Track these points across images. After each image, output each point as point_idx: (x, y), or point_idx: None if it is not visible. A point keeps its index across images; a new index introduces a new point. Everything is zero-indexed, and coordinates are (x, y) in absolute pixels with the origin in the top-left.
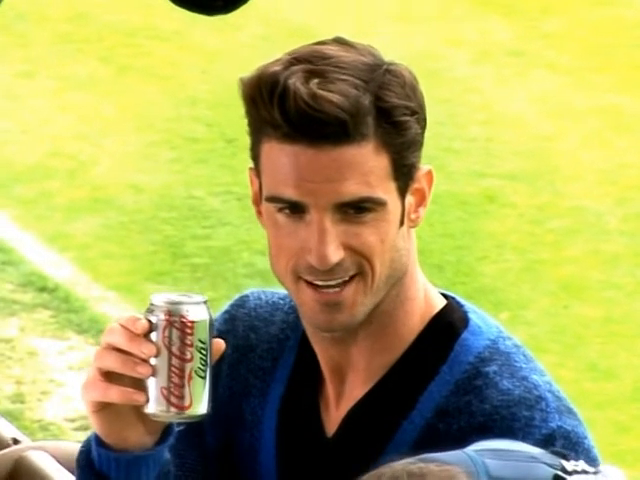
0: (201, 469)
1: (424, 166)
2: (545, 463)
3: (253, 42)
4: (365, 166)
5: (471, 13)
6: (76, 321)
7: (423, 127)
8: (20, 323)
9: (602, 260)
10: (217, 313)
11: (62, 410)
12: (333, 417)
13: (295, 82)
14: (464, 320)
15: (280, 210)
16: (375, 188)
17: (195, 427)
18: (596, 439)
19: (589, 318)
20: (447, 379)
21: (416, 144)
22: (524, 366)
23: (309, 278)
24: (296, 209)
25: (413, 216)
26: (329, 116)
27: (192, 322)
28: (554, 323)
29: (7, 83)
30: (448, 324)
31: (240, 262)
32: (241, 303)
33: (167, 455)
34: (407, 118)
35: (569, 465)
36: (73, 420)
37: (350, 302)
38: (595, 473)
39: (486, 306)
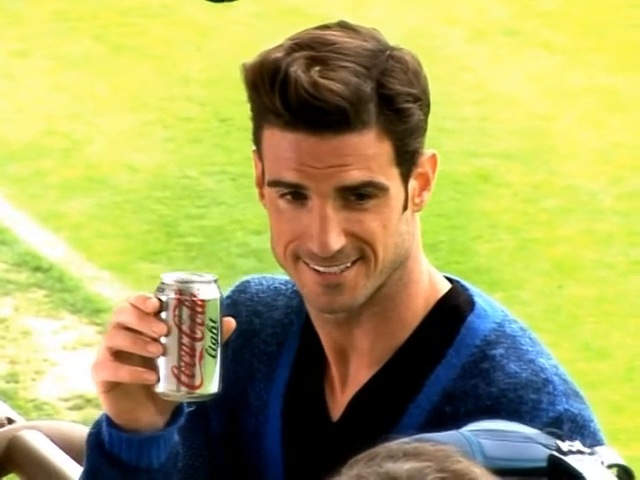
0: (207, 453)
1: (427, 150)
2: (540, 443)
3: (246, 19)
4: (367, 153)
5: None
6: (70, 300)
7: (426, 113)
8: (14, 303)
9: (596, 239)
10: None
11: (56, 389)
12: (338, 401)
13: (296, 70)
14: (470, 303)
15: (282, 196)
16: (377, 174)
17: (200, 411)
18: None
19: (583, 297)
20: (454, 362)
21: (419, 130)
22: (530, 349)
23: (310, 262)
24: (298, 195)
25: (417, 200)
26: (330, 105)
27: (203, 301)
28: (548, 303)
29: (1, 62)
30: (454, 307)
31: (234, 241)
32: (243, 288)
33: (177, 436)
34: (410, 105)
35: (564, 445)
36: (67, 399)
37: (352, 284)
38: (590, 453)
39: (480, 286)
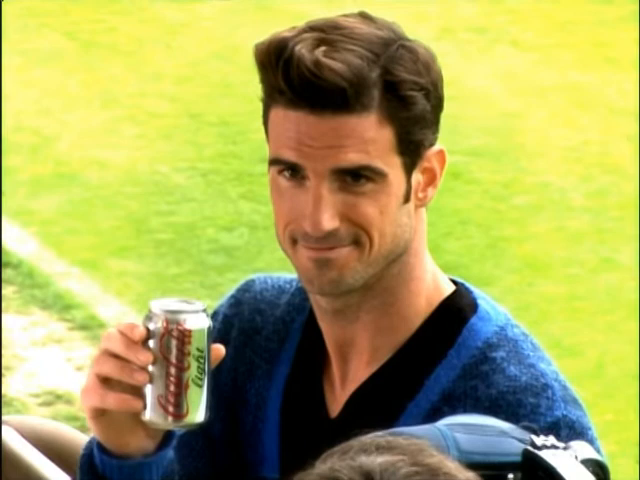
0: (209, 454)
1: (435, 146)
2: (515, 438)
3: (217, 16)
4: (365, 136)
5: None
6: (40, 297)
7: (435, 106)
8: None
9: (566, 237)
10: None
11: (25, 386)
12: (337, 398)
13: (301, 49)
14: (473, 306)
15: (280, 172)
16: (375, 158)
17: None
18: None
19: (553, 295)
20: (454, 363)
21: (424, 121)
22: (531, 354)
23: (304, 244)
24: (296, 172)
25: (421, 195)
26: (330, 84)
27: (189, 331)
28: (518, 300)
29: None
30: (457, 309)
31: (204, 238)
32: (247, 287)
33: (171, 454)
34: (414, 93)
35: (539, 440)
36: (37, 395)
37: (342, 262)
38: (565, 448)
39: None
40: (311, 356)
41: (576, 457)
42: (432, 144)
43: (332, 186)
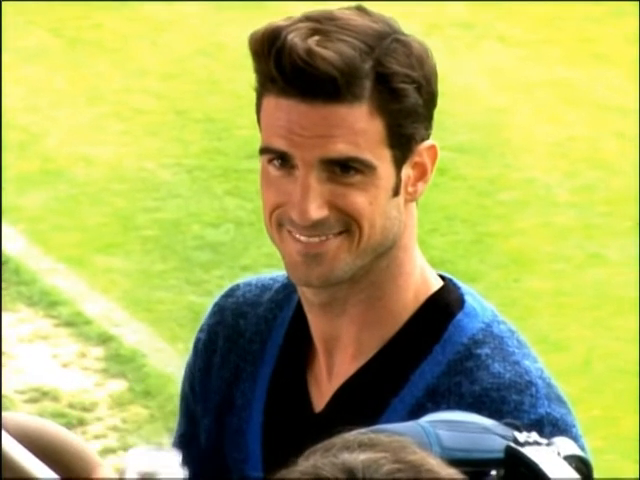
0: (195, 465)
1: (427, 141)
2: (498, 434)
3: (203, 13)
4: (355, 127)
5: None
6: (27, 293)
7: (427, 100)
8: None
9: (552, 233)
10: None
11: (12, 382)
12: (323, 392)
13: (294, 37)
14: (460, 301)
15: (270, 161)
16: (364, 150)
17: (191, 423)
18: None
19: (539, 290)
20: (439, 359)
21: (416, 114)
22: (517, 351)
23: (292, 230)
24: (285, 162)
25: (411, 189)
26: (321, 72)
27: None
28: (504, 296)
29: None
30: (444, 304)
31: (190, 234)
32: (230, 293)
33: None
34: (406, 86)
35: (521, 436)
36: (23, 392)
37: (332, 255)
38: (548, 444)
39: None
40: (295, 352)
41: (559, 453)
42: (424, 139)
43: (321, 176)
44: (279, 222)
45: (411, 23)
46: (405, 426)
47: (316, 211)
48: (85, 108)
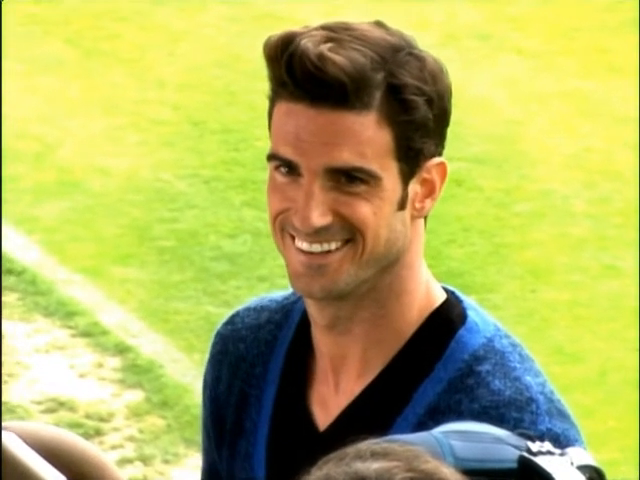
0: None
1: (436, 158)
2: (511, 444)
3: (219, 23)
4: (363, 136)
5: None
6: (43, 304)
7: (438, 116)
8: None
9: (568, 244)
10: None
11: (28, 392)
12: (330, 410)
13: (307, 43)
14: (462, 316)
15: (277, 168)
16: (370, 160)
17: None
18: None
19: (555, 301)
20: (441, 376)
21: (425, 128)
22: (518, 366)
23: (296, 237)
24: (291, 170)
25: (418, 205)
26: (331, 77)
27: None
28: (521, 307)
29: None
30: (446, 320)
31: (207, 245)
32: (230, 320)
33: None
34: (416, 98)
35: (534, 446)
36: (39, 402)
37: (335, 267)
38: (561, 454)
39: None
40: (297, 372)
41: (572, 463)
42: (433, 155)
43: (325, 184)
44: (282, 227)
45: (427, 34)
46: (418, 436)
47: (318, 218)
48: (101, 119)
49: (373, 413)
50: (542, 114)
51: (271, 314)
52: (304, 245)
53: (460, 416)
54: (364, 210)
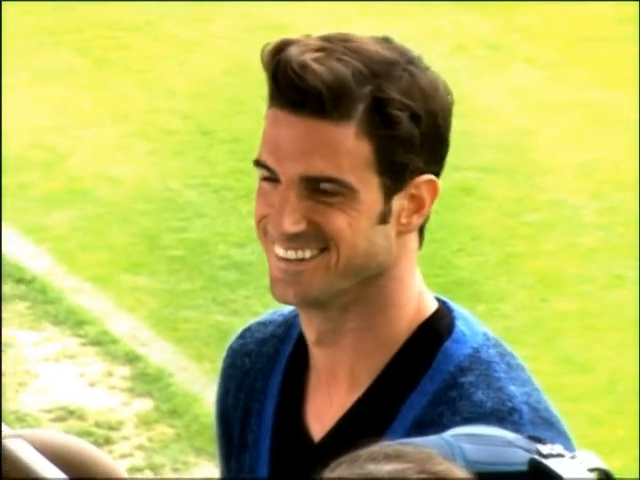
0: None
1: (426, 175)
2: (521, 447)
3: (229, 34)
4: (340, 147)
5: (447, 5)
6: (53, 312)
7: (427, 134)
8: None
9: (578, 253)
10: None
11: (38, 401)
12: (324, 423)
13: (294, 50)
14: (450, 327)
15: (264, 179)
16: (346, 172)
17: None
18: (571, 432)
19: (565, 311)
20: (427, 389)
21: (410, 145)
22: (503, 376)
23: (274, 242)
24: (273, 176)
25: (404, 221)
26: (308, 85)
27: None
28: (530, 316)
29: None
30: (434, 331)
31: (216, 254)
32: (242, 335)
33: None
34: (399, 113)
35: (545, 449)
36: (49, 411)
37: (309, 274)
38: (572, 457)
39: (463, 299)
40: (295, 385)
41: (582, 466)
42: (423, 172)
43: (302, 192)
44: (265, 233)
45: (438, 44)
46: (429, 440)
47: (291, 225)
48: (111, 128)
49: (363, 426)
50: (552, 124)
51: (275, 328)
52: (280, 251)
53: (444, 429)
54: (338, 220)
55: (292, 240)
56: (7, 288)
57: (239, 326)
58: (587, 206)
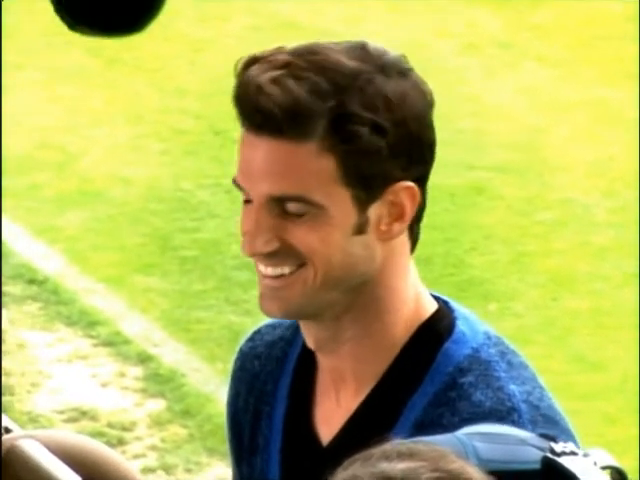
0: None
1: (404, 182)
2: (534, 446)
3: (240, 33)
4: (302, 166)
5: (458, 4)
6: (65, 313)
7: (400, 142)
8: (9, 315)
9: (590, 252)
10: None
11: (51, 402)
12: (332, 426)
13: (255, 70)
14: (450, 327)
15: (244, 201)
16: (312, 190)
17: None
18: (583, 430)
19: (577, 310)
20: (428, 390)
21: (377, 155)
22: (503, 375)
23: (257, 264)
24: (248, 200)
25: (384, 228)
26: (264, 109)
27: None
28: (542, 315)
29: None
30: (434, 333)
31: (229, 254)
32: (251, 337)
33: None
34: (359, 128)
35: (558, 447)
36: (62, 412)
37: (289, 289)
38: (584, 455)
39: (475, 298)
40: (303, 388)
41: (595, 464)
42: (401, 179)
43: (272, 212)
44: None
45: (449, 43)
46: (441, 438)
47: (263, 245)
48: (123, 128)
49: (369, 429)
50: (564, 122)
51: (283, 331)
52: (261, 267)
53: (444, 430)
54: (309, 238)
55: (268, 258)
56: (19, 289)
57: (252, 326)
58: (599, 204)
